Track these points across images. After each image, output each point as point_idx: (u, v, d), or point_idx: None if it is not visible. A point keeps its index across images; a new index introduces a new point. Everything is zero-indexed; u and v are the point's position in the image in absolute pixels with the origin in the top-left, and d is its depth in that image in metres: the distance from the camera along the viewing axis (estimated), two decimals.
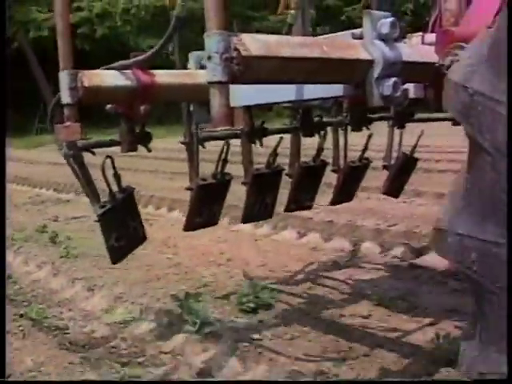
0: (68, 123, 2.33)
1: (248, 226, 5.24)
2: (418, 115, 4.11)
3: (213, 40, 1.69)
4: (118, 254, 3.11)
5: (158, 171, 10.44)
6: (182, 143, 3.39)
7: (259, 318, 3.55)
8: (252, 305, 3.68)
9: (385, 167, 4.26)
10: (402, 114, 3.69)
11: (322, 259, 4.76)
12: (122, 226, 3.04)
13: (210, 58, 1.70)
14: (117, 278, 4.39)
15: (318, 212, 5.50)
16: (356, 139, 3.93)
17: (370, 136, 3.89)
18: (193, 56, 2.72)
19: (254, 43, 1.75)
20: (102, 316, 3.74)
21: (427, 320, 3.36)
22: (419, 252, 4.74)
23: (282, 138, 3.50)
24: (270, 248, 5.14)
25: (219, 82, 1.71)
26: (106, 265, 4.02)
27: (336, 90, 2.15)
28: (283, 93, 2.34)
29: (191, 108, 2.78)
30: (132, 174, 8.19)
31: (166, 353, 3.16)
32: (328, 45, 1.96)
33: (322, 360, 2.92)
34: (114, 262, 3.15)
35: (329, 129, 3.70)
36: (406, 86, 2.50)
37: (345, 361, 2.88)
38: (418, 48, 2.39)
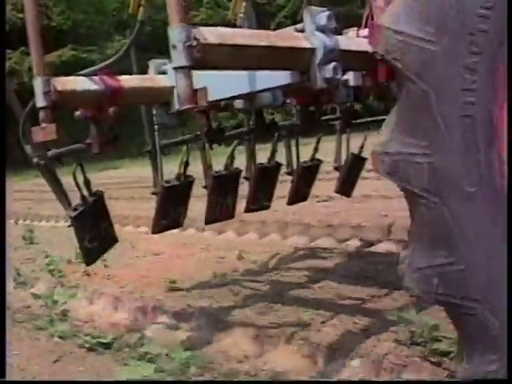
0: (44, 124, 2.53)
1: None
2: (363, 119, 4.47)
3: (176, 31, 1.96)
4: (91, 255, 3.29)
5: None
6: (146, 151, 3.63)
7: None
8: None
9: (336, 168, 4.57)
10: (347, 114, 4.00)
11: None
12: (95, 228, 3.23)
13: (174, 46, 1.97)
14: None
15: None
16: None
17: (319, 138, 4.20)
18: (153, 63, 2.97)
19: (210, 34, 2.02)
20: None
21: None
22: None
23: (238, 141, 3.77)
24: None
25: (183, 67, 1.97)
26: None
27: (284, 78, 2.42)
28: (236, 86, 2.60)
29: (154, 111, 3.01)
30: None
31: None
32: (275, 36, 2.25)
33: None
34: (88, 264, 3.33)
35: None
36: (346, 76, 2.82)
37: None
38: (353, 39, 2.70)
